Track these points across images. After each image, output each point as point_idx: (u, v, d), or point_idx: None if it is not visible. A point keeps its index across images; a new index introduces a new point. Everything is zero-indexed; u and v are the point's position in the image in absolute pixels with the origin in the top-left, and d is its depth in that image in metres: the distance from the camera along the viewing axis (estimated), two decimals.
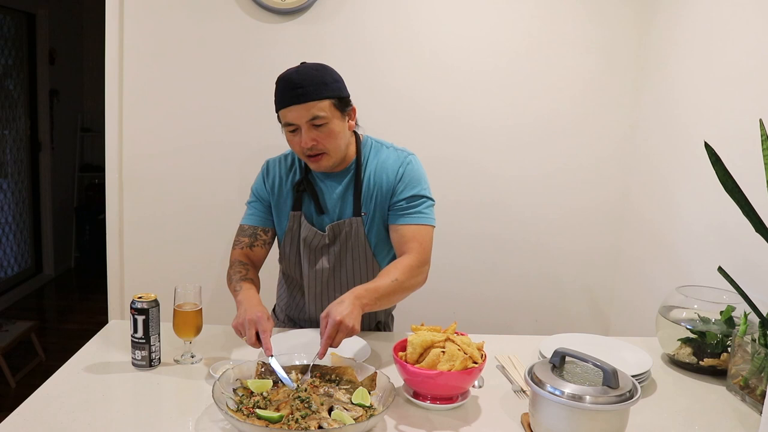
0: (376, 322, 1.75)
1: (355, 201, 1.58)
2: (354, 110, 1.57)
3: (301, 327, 1.72)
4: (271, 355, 1.31)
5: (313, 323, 1.69)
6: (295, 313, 1.74)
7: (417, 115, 2.32)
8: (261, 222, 1.66)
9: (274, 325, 1.44)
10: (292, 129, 1.50)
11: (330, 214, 1.61)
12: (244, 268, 1.61)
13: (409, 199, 1.56)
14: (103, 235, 2.35)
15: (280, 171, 1.66)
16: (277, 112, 1.53)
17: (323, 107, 1.47)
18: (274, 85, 1.51)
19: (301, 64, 1.53)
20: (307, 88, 1.45)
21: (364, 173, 1.60)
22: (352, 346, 1.49)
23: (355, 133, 1.64)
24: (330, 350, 1.34)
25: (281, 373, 1.27)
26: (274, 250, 1.74)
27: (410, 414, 1.24)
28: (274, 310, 1.84)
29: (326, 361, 1.31)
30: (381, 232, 1.61)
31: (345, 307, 1.34)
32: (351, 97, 1.56)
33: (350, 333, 1.33)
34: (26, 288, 4.53)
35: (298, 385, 1.25)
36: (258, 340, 1.34)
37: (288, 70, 1.51)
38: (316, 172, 1.62)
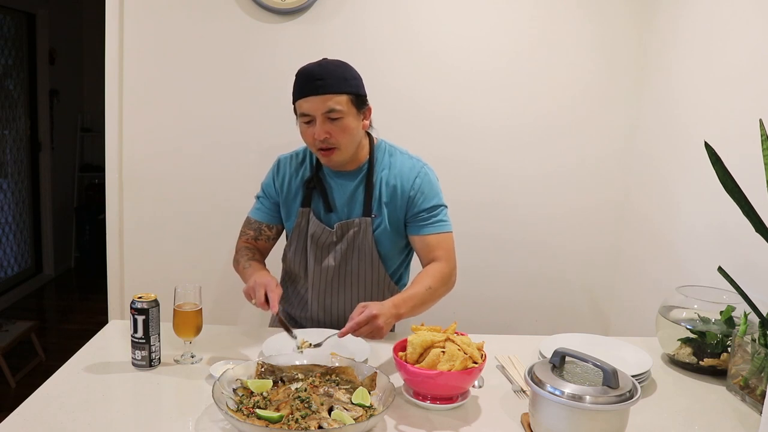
0: None
1: (366, 202, 1.60)
2: (370, 110, 1.60)
3: (303, 326, 1.73)
4: (277, 313, 1.39)
5: (315, 322, 1.70)
6: (297, 311, 1.74)
7: (417, 115, 2.31)
8: (266, 218, 1.71)
9: (282, 292, 1.49)
10: (307, 120, 1.52)
11: (338, 213, 1.62)
12: (251, 251, 1.68)
13: (429, 209, 1.60)
14: (103, 235, 2.35)
15: (290, 168, 1.68)
16: (294, 103, 1.56)
17: (340, 101, 1.49)
18: (294, 78, 1.54)
19: (323, 59, 1.55)
20: (326, 80, 1.48)
21: (377, 176, 1.62)
22: (352, 346, 1.49)
23: (369, 134, 1.66)
24: (330, 350, 1.36)
25: (287, 330, 1.37)
26: (278, 249, 1.75)
27: (410, 414, 1.24)
28: None
29: (326, 361, 1.31)
30: (391, 236, 1.63)
31: (385, 308, 1.41)
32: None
33: (377, 332, 1.39)
34: (26, 288, 4.52)
35: (300, 346, 1.36)
36: (266, 302, 1.42)
37: (309, 63, 1.54)
38: (327, 170, 1.64)
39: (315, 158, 1.66)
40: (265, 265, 1.67)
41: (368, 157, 1.63)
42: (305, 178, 1.65)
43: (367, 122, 1.59)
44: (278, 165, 1.71)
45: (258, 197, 1.73)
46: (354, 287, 1.65)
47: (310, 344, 1.38)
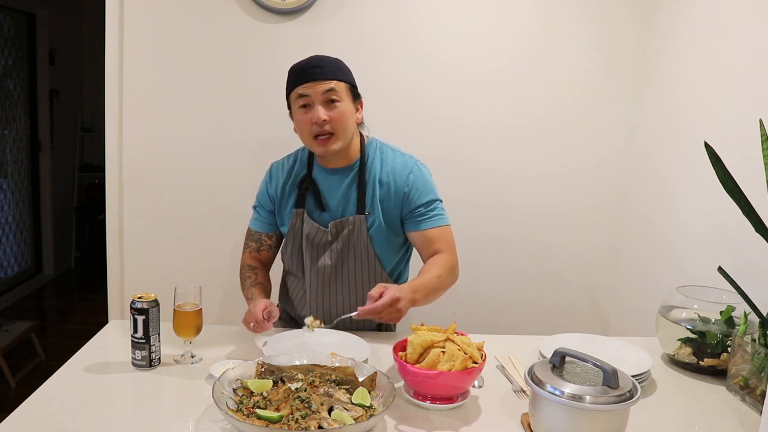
0: (377, 324, 1.75)
1: (359, 199, 1.60)
2: (362, 103, 1.64)
3: (301, 326, 1.73)
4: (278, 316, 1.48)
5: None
6: (297, 311, 1.75)
7: (417, 115, 2.31)
8: (265, 228, 1.72)
9: (279, 315, 1.54)
10: (304, 103, 1.54)
11: (332, 212, 1.63)
12: (253, 272, 1.69)
13: (425, 204, 1.61)
14: (103, 235, 2.35)
15: (283, 172, 1.69)
16: (289, 94, 1.59)
17: (339, 86, 1.54)
18: (288, 74, 1.58)
19: (315, 55, 1.60)
20: (325, 68, 1.54)
21: (369, 173, 1.62)
22: (352, 346, 1.49)
23: (360, 133, 1.67)
24: (330, 350, 1.36)
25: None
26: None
27: (410, 414, 1.24)
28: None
29: (326, 361, 1.31)
30: (386, 234, 1.63)
31: (405, 292, 1.41)
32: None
33: (395, 316, 1.39)
34: (26, 288, 4.53)
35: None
36: (264, 320, 1.44)
37: (302, 59, 1.58)
38: (318, 168, 1.65)
39: (307, 158, 1.67)
40: (267, 284, 1.70)
41: (360, 154, 1.64)
42: (298, 178, 1.66)
43: (359, 116, 1.63)
44: (270, 172, 1.73)
45: (254, 207, 1.75)
46: (351, 286, 1.65)
47: (321, 323, 1.39)
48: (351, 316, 1.41)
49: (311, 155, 1.67)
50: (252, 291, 1.65)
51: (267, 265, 1.76)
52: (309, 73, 1.53)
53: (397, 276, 1.73)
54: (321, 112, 1.52)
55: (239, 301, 2.41)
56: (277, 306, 1.86)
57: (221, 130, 2.31)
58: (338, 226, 1.61)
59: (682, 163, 2.03)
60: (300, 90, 1.54)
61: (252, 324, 1.47)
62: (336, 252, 1.62)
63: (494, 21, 2.27)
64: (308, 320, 1.43)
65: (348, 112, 1.56)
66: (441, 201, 1.65)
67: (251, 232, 1.74)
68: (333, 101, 1.53)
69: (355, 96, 1.60)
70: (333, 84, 1.53)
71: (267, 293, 1.70)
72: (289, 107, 1.61)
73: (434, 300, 1.56)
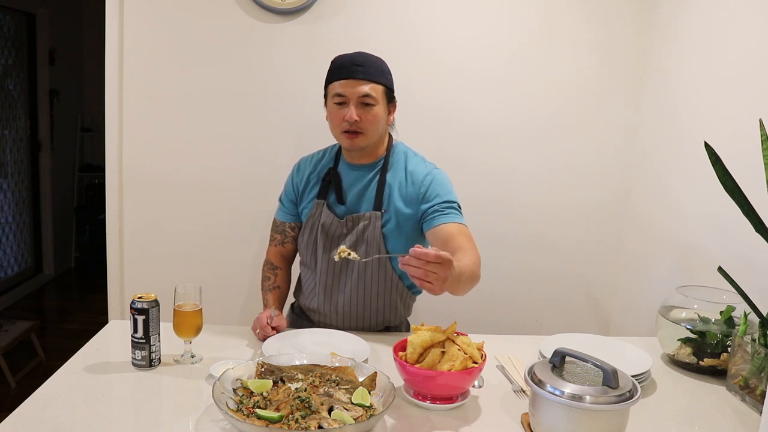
0: (385, 326, 1.75)
1: (377, 197, 1.63)
2: (395, 106, 1.69)
3: (310, 318, 1.77)
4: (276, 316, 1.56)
5: (321, 314, 1.72)
6: (307, 301, 1.76)
7: (418, 114, 2.31)
8: (289, 218, 1.78)
9: (287, 324, 1.62)
10: (339, 101, 1.59)
11: (348, 206, 1.67)
12: (273, 273, 1.76)
13: (442, 203, 1.61)
14: (103, 235, 2.35)
15: (310, 165, 1.75)
16: (327, 85, 1.63)
17: (376, 89, 1.59)
18: (330, 64, 1.63)
19: (359, 51, 1.63)
20: (367, 68, 1.58)
21: (390, 173, 1.66)
22: (352, 346, 1.49)
23: (389, 134, 1.72)
24: (330, 350, 1.36)
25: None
26: None
27: (410, 414, 1.24)
28: (292, 304, 1.90)
29: (326, 361, 1.31)
30: (399, 236, 1.64)
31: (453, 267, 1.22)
32: None
33: (436, 281, 1.18)
34: (26, 288, 4.53)
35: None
36: (267, 325, 1.53)
37: (347, 53, 1.62)
38: (344, 163, 1.69)
39: (335, 153, 1.73)
40: (286, 286, 1.77)
41: (385, 153, 1.69)
42: (324, 171, 1.71)
43: (391, 117, 1.68)
44: (299, 164, 1.79)
45: (280, 199, 1.80)
46: (360, 281, 1.66)
47: (349, 253, 1.35)
48: (396, 256, 1.33)
49: (339, 151, 1.73)
50: (268, 296, 1.72)
51: (290, 260, 1.82)
52: (350, 70, 1.57)
53: (406, 280, 1.72)
54: (354, 113, 1.56)
55: (240, 301, 2.41)
56: (288, 308, 1.88)
57: (221, 130, 2.30)
58: (354, 219, 1.64)
59: (682, 163, 2.03)
60: (338, 88, 1.58)
61: (258, 330, 1.56)
62: (349, 245, 1.64)
63: (495, 20, 2.27)
64: (341, 248, 1.39)
65: (380, 115, 1.60)
66: (459, 206, 1.63)
67: (276, 223, 1.80)
68: (368, 104, 1.57)
69: (390, 99, 1.65)
70: (371, 88, 1.57)
71: (283, 298, 1.77)
72: (325, 96, 1.65)
73: (465, 291, 1.43)
